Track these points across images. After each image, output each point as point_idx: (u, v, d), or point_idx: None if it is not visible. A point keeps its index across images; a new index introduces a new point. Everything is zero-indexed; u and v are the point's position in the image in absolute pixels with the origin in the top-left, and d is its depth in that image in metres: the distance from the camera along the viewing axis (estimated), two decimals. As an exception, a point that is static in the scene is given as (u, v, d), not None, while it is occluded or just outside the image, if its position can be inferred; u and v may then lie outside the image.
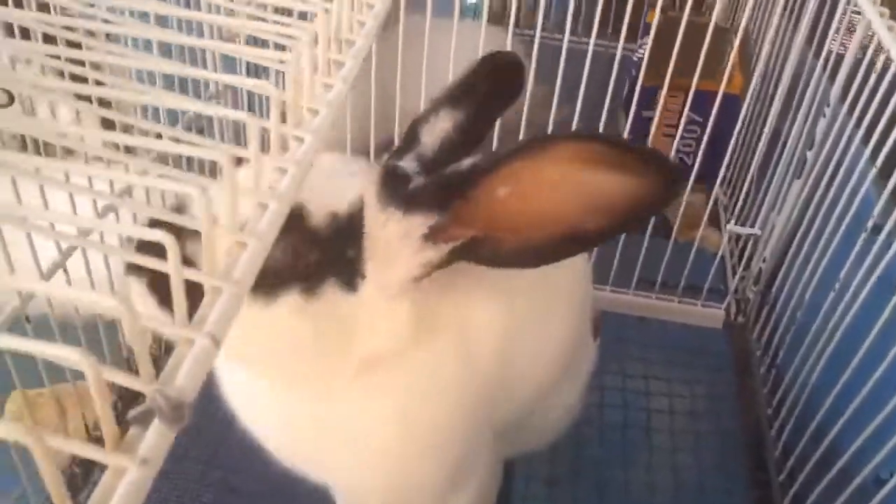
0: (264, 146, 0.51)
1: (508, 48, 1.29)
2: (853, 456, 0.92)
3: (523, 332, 0.83)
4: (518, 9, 1.52)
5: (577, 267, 0.93)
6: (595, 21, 1.28)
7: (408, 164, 0.74)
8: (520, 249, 0.66)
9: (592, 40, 1.25)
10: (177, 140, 0.48)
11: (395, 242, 0.68)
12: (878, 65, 0.98)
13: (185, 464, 1.17)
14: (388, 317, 0.71)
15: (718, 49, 1.26)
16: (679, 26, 1.22)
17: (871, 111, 0.99)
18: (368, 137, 1.44)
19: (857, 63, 1.07)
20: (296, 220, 0.65)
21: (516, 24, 1.37)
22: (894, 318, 0.89)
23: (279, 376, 0.73)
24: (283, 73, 0.54)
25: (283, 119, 0.56)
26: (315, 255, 0.66)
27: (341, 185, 0.70)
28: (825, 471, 0.98)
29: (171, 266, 0.39)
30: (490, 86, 0.77)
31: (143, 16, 0.96)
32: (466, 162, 0.67)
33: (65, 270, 1.03)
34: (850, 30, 1.14)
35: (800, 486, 1.07)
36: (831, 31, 1.17)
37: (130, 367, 1.20)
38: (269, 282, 0.65)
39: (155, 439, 0.36)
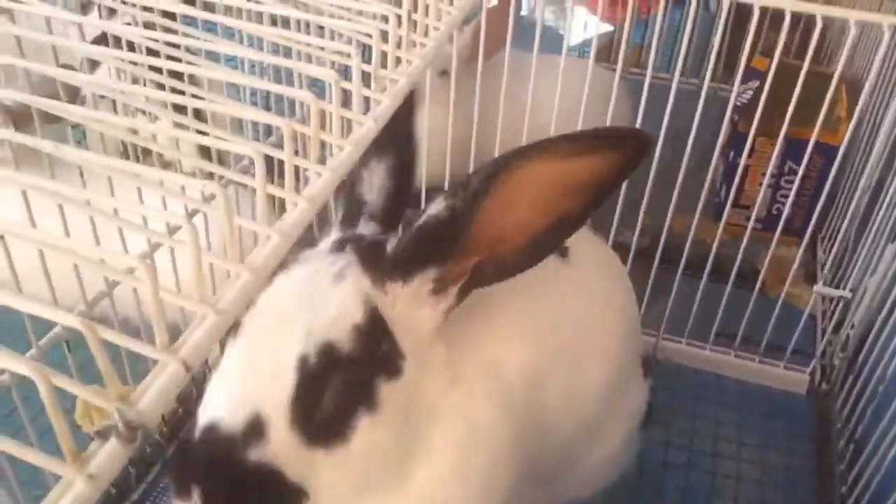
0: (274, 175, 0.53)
1: (615, 88, 1.28)
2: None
3: (556, 370, 0.82)
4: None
5: (619, 304, 0.92)
6: (710, 62, 1.24)
7: (368, 230, 0.78)
8: (518, 253, 0.70)
9: (706, 84, 1.22)
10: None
11: (410, 312, 0.70)
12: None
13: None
14: (431, 368, 0.72)
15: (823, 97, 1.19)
16: (789, 73, 1.16)
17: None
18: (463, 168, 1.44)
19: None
20: (330, 358, 0.66)
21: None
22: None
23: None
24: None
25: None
26: (358, 375, 0.67)
27: (340, 296, 0.69)
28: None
29: (148, 288, 0.40)
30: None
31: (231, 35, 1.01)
32: (437, 207, 0.68)
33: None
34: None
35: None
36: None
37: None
38: (337, 428, 0.65)
39: (106, 456, 0.37)
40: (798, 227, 1.46)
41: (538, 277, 0.74)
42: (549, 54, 1.37)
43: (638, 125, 1.30)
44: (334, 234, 0.79)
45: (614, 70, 1.38)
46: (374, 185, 0.79)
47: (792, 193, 1.27)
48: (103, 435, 0.38)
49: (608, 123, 1.29)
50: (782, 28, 1.10)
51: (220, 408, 0.65)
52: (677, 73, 1.26)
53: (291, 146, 0.52)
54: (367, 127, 0.62)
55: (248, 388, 0.66)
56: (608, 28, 2.33)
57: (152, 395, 0.39)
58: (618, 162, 0.66)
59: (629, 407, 0.95)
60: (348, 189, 0.80)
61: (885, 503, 0.96)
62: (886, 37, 1.10)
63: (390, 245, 0.71)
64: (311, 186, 0.55)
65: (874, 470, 1.01)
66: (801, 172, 1.26)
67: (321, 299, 0.68)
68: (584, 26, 2.48)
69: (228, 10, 0.76)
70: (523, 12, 2.48)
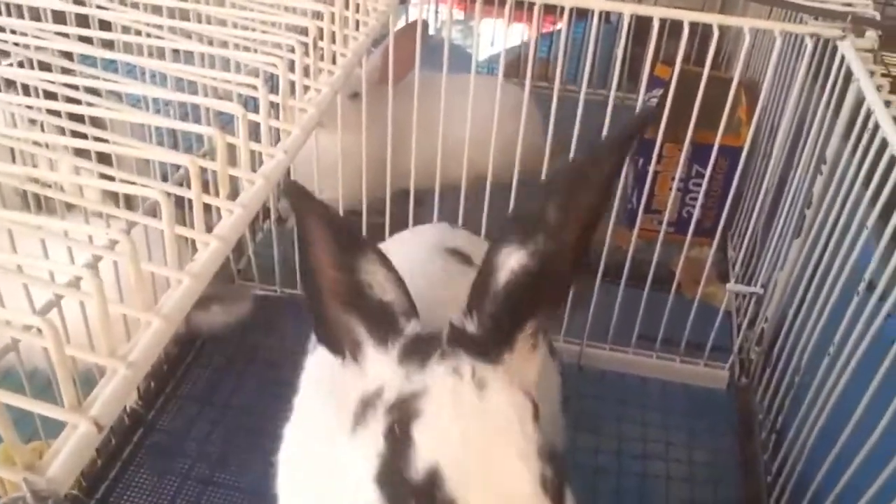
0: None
1: (525, 101, 1.30)
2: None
3: None
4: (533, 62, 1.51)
5: None
6: (615, 73, 1.27)
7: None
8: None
9: (612, 93, 1.25)
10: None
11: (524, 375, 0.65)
12: (871, 124, 0.95)
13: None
14: None
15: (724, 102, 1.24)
16: (690, 80, 1.21)
17: (864, 171, 0.97)
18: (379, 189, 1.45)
19: (850, 123, 1.04)
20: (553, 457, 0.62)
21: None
22: (889, 380, 0.85)
23: None
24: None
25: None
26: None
27: (509, 402, 0.62)
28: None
29: (50, 347, 0.38)
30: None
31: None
32: (515, 258, 0.63)
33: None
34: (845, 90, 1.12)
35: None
36: (826, 90, 1.15)
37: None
38: None
39: (16, 532, 0.35)
40: (708, 227, 1.50)
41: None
42: (458, 73, 1.38)
43: (549, 137, 1.34)
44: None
45: (523, 85, 1.41)
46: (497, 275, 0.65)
47: (700, 196, 1.32)
48: (10, 508, 0.36)
49: (520, 137, 1.31)
50: (682, 37, 1.15)
51: None
52: (584, 85, 1.29)
53: (198, 184, 0.50)
54: (278, 159, 0.61)
55: None
56: (514, 44, 2.37)
57: (63, 460, 0.37)
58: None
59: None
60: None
61: (809, 488, 0.99)
62: (778, 42, 1.15)
63: (468, 324, 0.64)
64: (222, 224, 0.54)
65: (796, 457, 1.05)
66: (707, 175, 1.30)
67: (503, 419, 0.61)
68: (492, 43, 2.52)
69: (128, 47, 0.74)
70: (431, 32, 2.49)
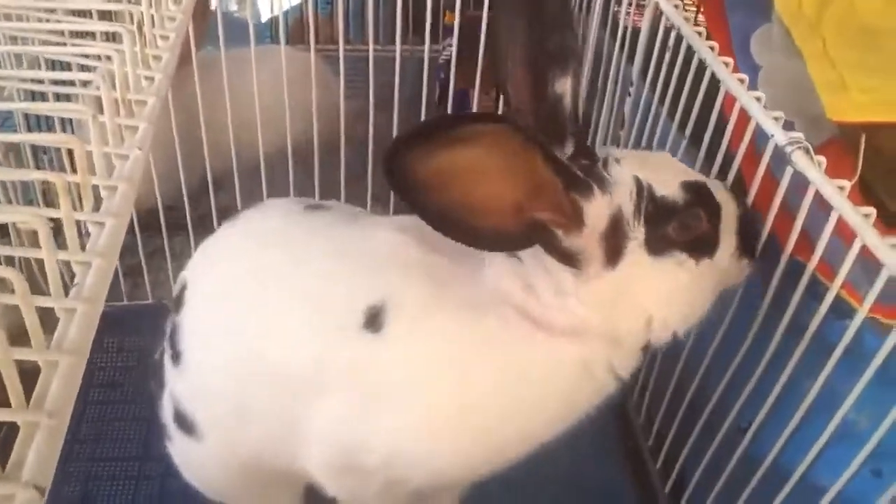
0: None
1: (313, 67, 1.27)
2: (715, 408, 0.96)
3: None
4: (316, 25, 1.48)
5: None
6: (398, 27, 1.26)
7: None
8: None
9: (398, 46, 1.25)
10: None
11: None
12: (671, 41, 1.03)
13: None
14: None
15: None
16: (480, 25, 1.24)
17: (672, 86, 1.04)
18: (176, 179, 1.36)
19: (651, 40, 1.12)
20: None
21: (316, 41, 1.34)
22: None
23: None
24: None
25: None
26: None
27: None
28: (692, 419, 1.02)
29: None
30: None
31: None
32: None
33: None
34: (641, 5, 1.19)
35: (670, 443, 1.11)
36: (622, 10, 1.22)
37: None
38: None
39: None
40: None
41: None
42: (241, 47, 1.31)
43: (342, 98, 1.34)
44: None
45: (307, 50, 1.36)
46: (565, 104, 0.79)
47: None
48: None
49: (314, 104, 1.29)
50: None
51: None
52: (371, 42, 1.27)
53: (68, 201, 0.45)
54: (134, 156, 0.56)
55: None
56: (292, 6, 2.30)
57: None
58: None
59: None
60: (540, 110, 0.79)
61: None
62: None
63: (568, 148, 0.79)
64: (95, 239, 0.48)
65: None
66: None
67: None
68: (271, 9, 2.43)
69: None
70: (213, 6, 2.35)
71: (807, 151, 0.74)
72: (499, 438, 0.81)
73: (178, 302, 0.90)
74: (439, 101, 1.87)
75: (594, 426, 0.82)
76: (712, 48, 0.92)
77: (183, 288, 0.90)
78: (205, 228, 1.15)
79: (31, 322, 0.39)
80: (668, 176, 0.77)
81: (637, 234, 0.74)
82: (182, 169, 1.33)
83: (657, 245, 0.75)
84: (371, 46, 1.26)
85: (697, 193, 0.77)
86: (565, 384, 0.79)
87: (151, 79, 0.64)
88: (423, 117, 1.35)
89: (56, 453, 0.36)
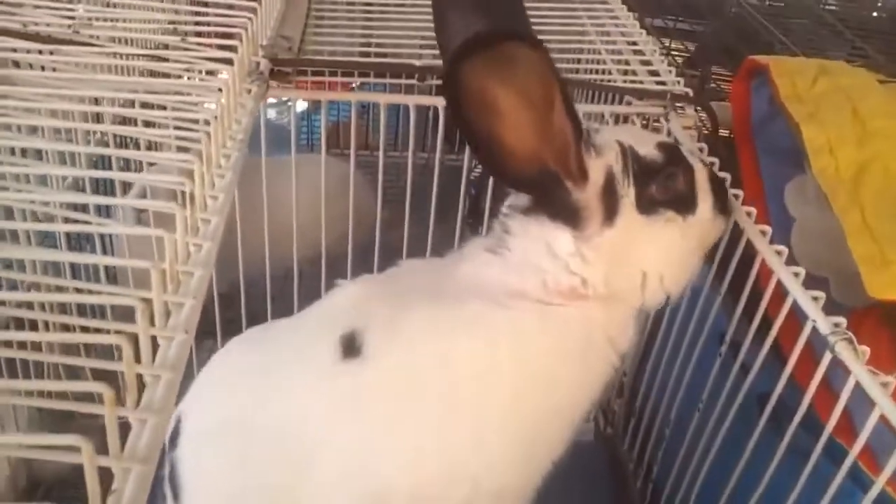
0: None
1: (352, 174, 1.31)
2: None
3: None
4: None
5: None
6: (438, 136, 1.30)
7: None
8: None
9: (438, 155, 1.30)
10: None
11: None
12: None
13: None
14: None
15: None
16: None
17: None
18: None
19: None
20: None
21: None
22: (762, 431, 0.91)
23: None
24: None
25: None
26: None
27: None
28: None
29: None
30: None
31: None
32: None
33: None
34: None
35: None
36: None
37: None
38: None
39: None
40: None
41: None
42: (280, 155, 1.35)
43: (379, 204, 1.37)
44: None
45: (345, 154, 1.39)
46: None
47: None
48: None
49: (351, 209, 1.32)
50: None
51: None
52: (411, 149, 1.32)
53: (146, 318, 0.46)
54: (207, 248, 0.58)
55: None
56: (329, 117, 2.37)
57: None
58: None
59: None
60: None
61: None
62: (610, 123, 1.25)
63: None
64: (164, 353, 0.49)
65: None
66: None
67: None
68: (306, 118, 2.51)
69: None
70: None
71: (850, 342, 0.73)
72: (528, 419, 0.81)
73: (173, 437, 0.85)
74: (470, 213, 1.89)
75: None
76: (749, 214, 0.92)
77: (178, 421, 0.86)
78: (233, 333, 1.16)
79: (111, 431, 0.39)
80: (645, 138, 0.84)
81: (628, 193, 0.80)
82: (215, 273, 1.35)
83: (646, 204, 0.80)
84: (410, 154, 1.30)
85: (672, 153, 0.83)
86: (576, 344, 0.80)
87: (222, 176, 0.66)
88: (458, 227, 1.36)
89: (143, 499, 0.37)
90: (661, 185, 0.80)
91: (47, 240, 1.30)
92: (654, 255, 0.81)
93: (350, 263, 1.36)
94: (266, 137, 1.28)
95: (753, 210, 0.92)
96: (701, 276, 1.09)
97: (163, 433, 0.43)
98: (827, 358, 0.75)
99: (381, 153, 1.28)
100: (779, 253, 0.86)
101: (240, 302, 1.38)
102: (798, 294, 0.80)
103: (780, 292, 0.84)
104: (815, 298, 0.79)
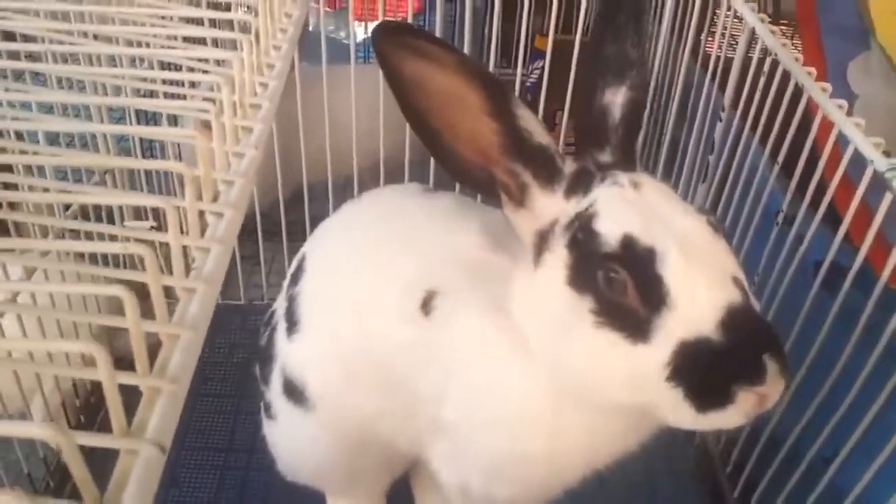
0: (182, 227, 0.49)
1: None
2: (798, 441, 0.95)
3: None
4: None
5: None
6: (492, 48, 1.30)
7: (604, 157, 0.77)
8: None
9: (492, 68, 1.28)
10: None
11: None
12: (766, 66, 1.02)
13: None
14: None
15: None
16: (570, 48, 1.25)
17: (766, 111, 1.04)
18: (270, 189, 1.44)
19: (744, 69, 1.11)
20: None
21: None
22: (817, 304, 0.92)
23: None
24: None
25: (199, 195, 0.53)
26: None
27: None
28: (773, 454, 1.00)
29: (103, 375, 0.36)
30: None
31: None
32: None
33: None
34: (731, 44, 1.19)
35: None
36: (716, 40, 1.22)
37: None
38: None
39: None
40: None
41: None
42: (338, 64, 1.37)
43: None
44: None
45: None
46: (612, 113, 0.75)
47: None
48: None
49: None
50: (550, 9, 1.21)
51: None
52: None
53: (192, 190, 0.48)
54: (250, 156, 0.59)
55: None
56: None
57: (134, 491, 0.35)
58: None
59: None
60: (583, 113, 0.77)
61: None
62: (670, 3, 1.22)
63: (604, 156, 0.74)
64: (214, 228, 0.52)
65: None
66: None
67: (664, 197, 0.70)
68: (364, 30, 2.51)
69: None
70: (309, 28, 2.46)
71: (907, 177, 0.73)
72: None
73: (296, 275, 0.93)
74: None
75: (671, 457, 0.81)
76: (809, 73, 0.91)
77: (301, 260, 0.94)
78: (296, 236, 1.21)
79: (157, 295, 0.42)
80: (637, 224, 0.66)
81: (558, 249, 0.69)
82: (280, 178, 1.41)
83: (575, 279, 0.67)
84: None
85: (636, 257, 0.64)
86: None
87: (266, 85, 0.68)
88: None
89: (176, 417, 0.40)
90: (604, 276, 0.65)
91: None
92: (551, 337, 0.71)
93: (407, 173, 1.39)
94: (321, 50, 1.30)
95: (814, 70, 0.90)
96: (756, 155, 1.08)
97: (211, 304, 0.46)
98: (887, 200, 0.74)
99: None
100: (840, 107, 0.84)
101: (301, 207, 1.44)
102: (858, 140, 0.79)
103: (838, 154, 0.83)
104: (877, 144, 0.78)
